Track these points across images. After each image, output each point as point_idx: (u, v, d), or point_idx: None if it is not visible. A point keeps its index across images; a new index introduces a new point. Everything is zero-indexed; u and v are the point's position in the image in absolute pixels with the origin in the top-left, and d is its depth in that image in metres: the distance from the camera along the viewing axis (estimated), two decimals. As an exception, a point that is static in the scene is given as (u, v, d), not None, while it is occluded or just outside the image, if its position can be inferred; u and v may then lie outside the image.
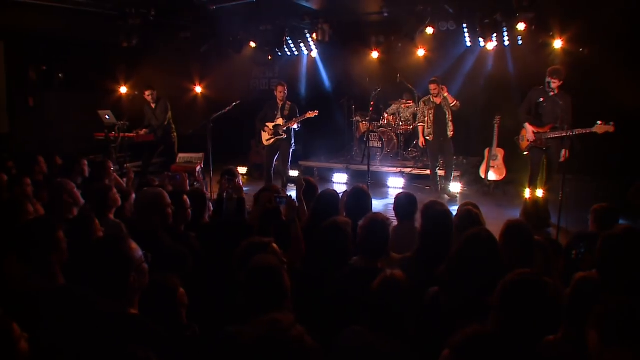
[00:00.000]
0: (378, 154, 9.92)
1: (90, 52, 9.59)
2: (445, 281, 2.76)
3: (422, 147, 8.94)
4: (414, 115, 10.30)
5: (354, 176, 9.71)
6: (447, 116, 8.14)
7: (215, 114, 7.50)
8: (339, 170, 9.92)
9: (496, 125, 8.53)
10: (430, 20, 8.47)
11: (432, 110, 8.23)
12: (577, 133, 6.25)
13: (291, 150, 8.16)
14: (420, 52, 10.33)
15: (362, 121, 10.64)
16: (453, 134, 8.22)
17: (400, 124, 10.29)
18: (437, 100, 8.19)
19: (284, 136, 7.99)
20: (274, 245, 2.81)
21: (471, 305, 2.56)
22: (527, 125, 6.93)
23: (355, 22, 10.05)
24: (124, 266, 2.15)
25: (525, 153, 7.20)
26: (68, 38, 9.15)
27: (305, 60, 11.53)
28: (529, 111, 6.96)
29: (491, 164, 8.62)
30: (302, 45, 10.92)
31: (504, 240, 3.18)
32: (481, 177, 8.75)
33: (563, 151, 6.56)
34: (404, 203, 4.23)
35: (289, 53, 11.28)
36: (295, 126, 7.96)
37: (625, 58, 8.10)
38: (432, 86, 8.15)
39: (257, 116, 8.24)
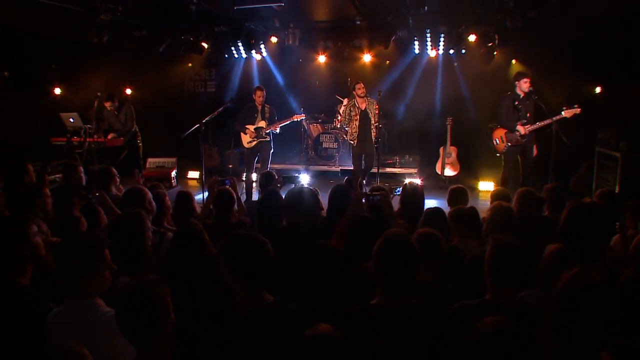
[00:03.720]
0: (336, 154, 10.37)
1: (42, 49, 8.81)
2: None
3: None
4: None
5: (315, 177, 10.07)
6: (372, 122, 8.15)
7: (207, 117, 7.38)
8: (298, 172, 10.16)
9: (448, 125, 9.46)
10: (391, 29, 9.08)
11: (358, 117, 8.17)
12: (549, 122, 6.82)
13: (271, 153, 8.28)
14: (367, 58, 11.00)
15: (313, 123, 11.03)
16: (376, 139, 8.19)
17: (351, 125, 10.82)
18: (362, 106, 8.22)
19: (267, 138, 8.11)
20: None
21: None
22: (520, 127, 7.14)
23: (306, 28, 10.36)
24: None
25: (497, 155, 7.64)
26: (15, 33, 8.34)
27: (254, 62, 11.59)
28: (507, 116, 7.29)
29: (446, 161, 9.52)
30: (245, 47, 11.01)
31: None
32: (437, 173, 9.61)
33: (534, 147, 7.38)
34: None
35: (236, 55, 11.29)
36: (278, 129, 8.11)
37: (544, 69, 9.33)
38: (359, 85, 8.09)
39: (236, 119, 8.22)
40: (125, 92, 12.30)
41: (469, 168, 9.65)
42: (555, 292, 2.22)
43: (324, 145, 10.54)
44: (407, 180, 9.84)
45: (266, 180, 5.46)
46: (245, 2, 6.09)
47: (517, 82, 7.24)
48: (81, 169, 6.04)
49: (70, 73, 10.35)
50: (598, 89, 9.63)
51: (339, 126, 10.62)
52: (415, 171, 9.89)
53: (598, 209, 3.90)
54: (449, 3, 7.80)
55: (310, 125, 11.06)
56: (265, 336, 2.37)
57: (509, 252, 2.62)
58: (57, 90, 10.41)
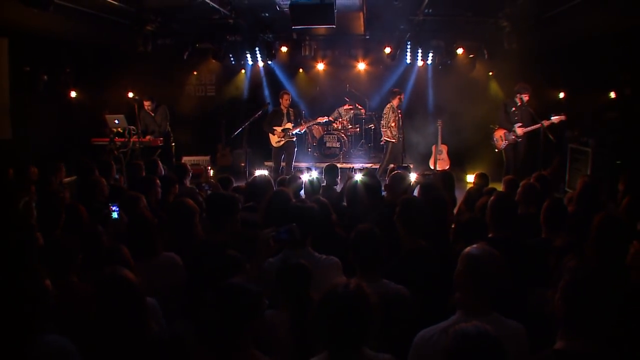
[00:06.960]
0: (339, 152, 11.58)
1: (77, 54, 9.59)
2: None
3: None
4: (355, 119, 12.24)
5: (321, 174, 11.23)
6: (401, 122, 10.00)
7: (249, 119, 8.40)
8: (306, 169, 11.31)
9: (439, 127, 10.91)
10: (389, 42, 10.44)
11: (397, 117, 9.95)
12: (539, 126, 8.22)
13: (295, 151, 9.40)
14: (361, 66, 12.33)
15: (315, 125, 12.20)
16: None
17: (350, 126, 12.09)
18: (399, 111, 10.00)
19: (294, 138, 9.24)
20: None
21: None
22: (518, 128, 8.64)
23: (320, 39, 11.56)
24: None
25: (496, 150, 9.16)
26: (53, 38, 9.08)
27: (261, 69, 12.62)
28: (507, 120, 8.80)
29: (438, 157, 10.96)
30: (252, 55, 12.01)
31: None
32: (431, 168, 11.03)
33: (523, 145, 8.88)
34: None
35: (242, 62, 12.29)
36: (305, 130, 9.26)
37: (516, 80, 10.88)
38: (400, 96, 10.00)
39: (264, 121, 9.28)
40: (127, 95, 13.00)
41: (458, 163, 11.11)
42: None
43: (327, 144, 11.68)
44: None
45: (330, 172, 6.58)
46: (302, 23, 7.16)
47: (518, 94, 8.64)
48: (160, 164, 6.99)
49: (86, 77, 11.00)
50: (562, 95, 11.31)
51: (339, 127, 11.88)
52: (411, 166, 11.24)
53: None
54: (447, 22, 9.18)
55: (313, 127, 12.21)
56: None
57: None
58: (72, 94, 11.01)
